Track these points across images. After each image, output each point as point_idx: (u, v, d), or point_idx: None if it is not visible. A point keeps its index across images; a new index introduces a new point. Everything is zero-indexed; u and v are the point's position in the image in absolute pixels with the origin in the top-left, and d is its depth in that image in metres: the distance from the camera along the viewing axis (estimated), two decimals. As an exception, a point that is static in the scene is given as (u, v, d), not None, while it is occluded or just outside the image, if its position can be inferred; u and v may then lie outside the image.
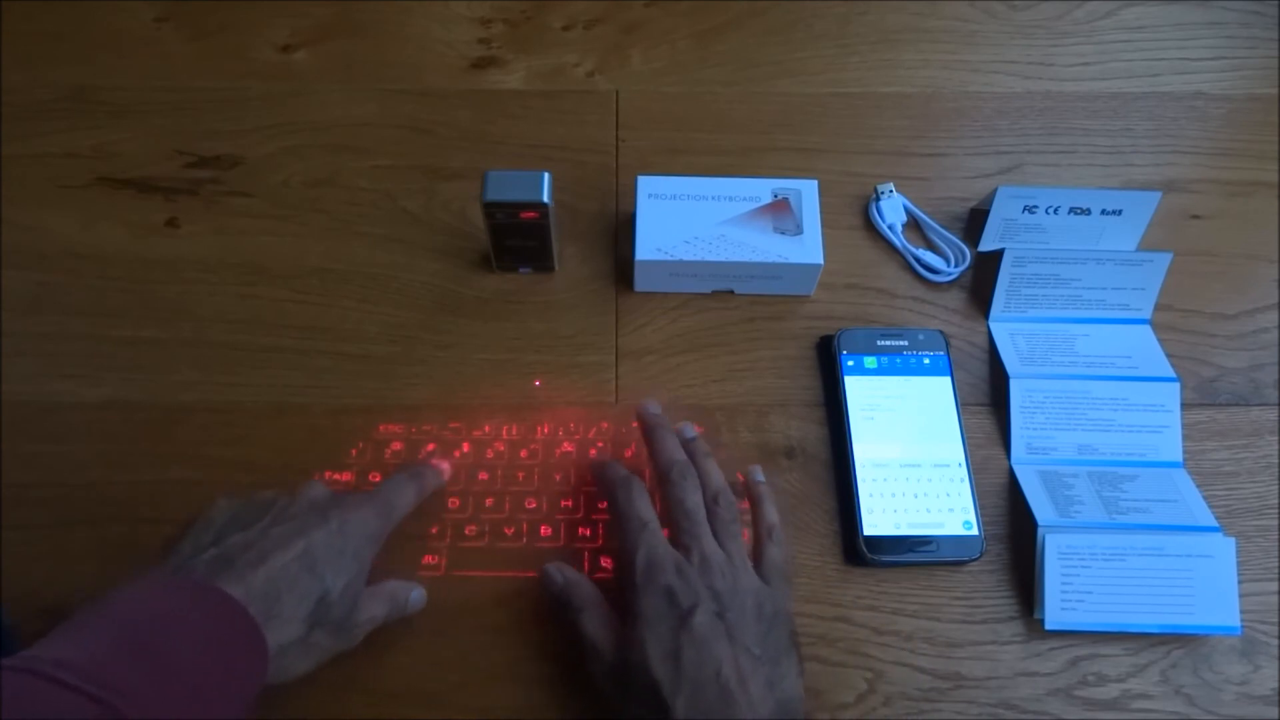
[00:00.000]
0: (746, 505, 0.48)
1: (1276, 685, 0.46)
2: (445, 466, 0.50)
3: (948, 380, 0.53)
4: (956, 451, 0.51)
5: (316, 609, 0.40)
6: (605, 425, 0.52)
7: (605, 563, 0.48)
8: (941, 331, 0.55)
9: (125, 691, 0.32)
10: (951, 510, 0.49)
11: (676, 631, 0.39)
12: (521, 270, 0.57)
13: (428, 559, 0.48)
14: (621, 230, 0.59)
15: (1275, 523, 0.50)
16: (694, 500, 0.44)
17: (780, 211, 0.55)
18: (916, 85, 0.66)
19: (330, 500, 0.44)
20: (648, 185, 0.56)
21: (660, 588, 0.41)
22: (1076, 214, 0.56)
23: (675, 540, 0.43)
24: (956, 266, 0.57)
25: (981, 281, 0.57)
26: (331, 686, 0.44)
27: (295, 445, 0.51)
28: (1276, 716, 0.46)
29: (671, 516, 0.44)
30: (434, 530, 0.48)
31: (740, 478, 0.50)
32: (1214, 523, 0.48)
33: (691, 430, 0.49)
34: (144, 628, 0.36)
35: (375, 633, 0.46)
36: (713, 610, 0.40)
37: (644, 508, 0.44)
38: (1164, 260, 0.54)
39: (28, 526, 0.48)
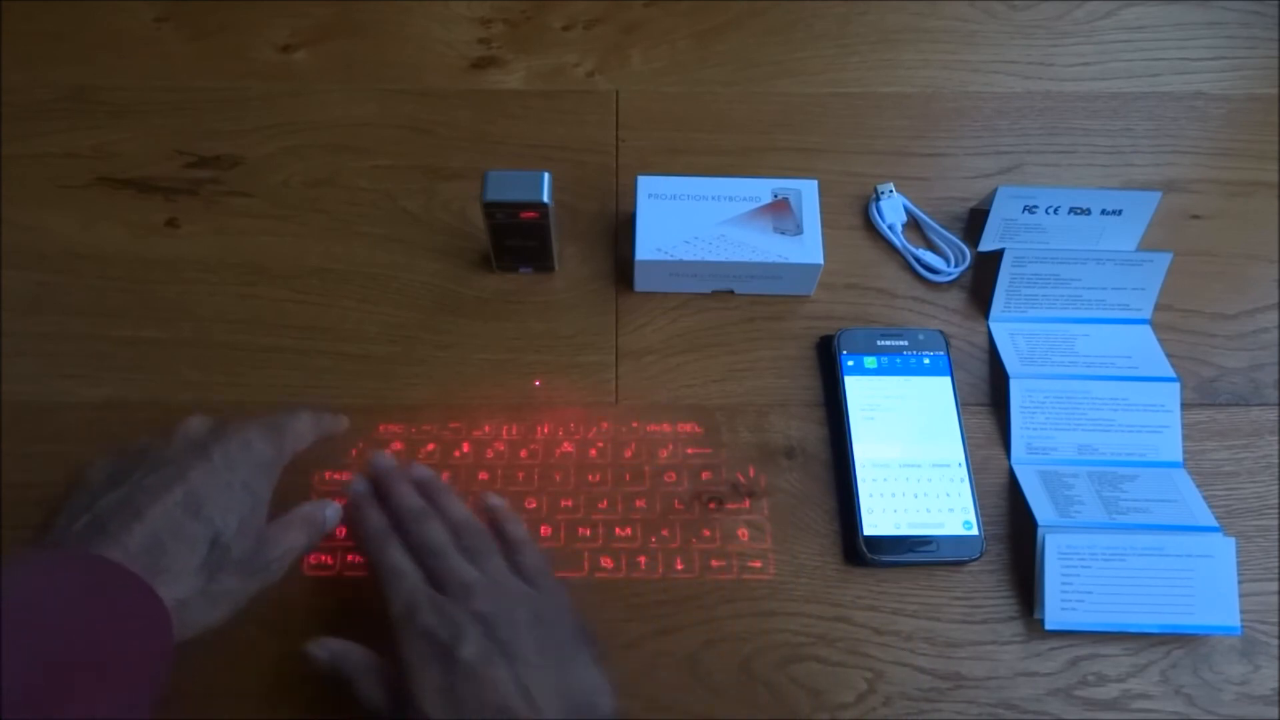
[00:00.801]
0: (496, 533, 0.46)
1: (1276, 685, 0.46)
2: (344, 419, 0.48)
3: (948, 380, 0.53)
4: (956, 451, 0.51)
5: (212, 554, 0.38)
6: (605, 425, 0.52)
7: (605, 563, 0.48)
8: (941, 331, 0.55)
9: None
10: (951, 510, 0.49)
11: (446, 669, 0.37)
12: (521, 270, 0.57)
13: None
14: (621, 230, 0.59)
15: (1275, 523, 0.50)
16: (435, 537, 0.43)
17: (780, 211, 0.55)
18: (916, 85, 0.66)
19: (210, 434, 0.42)
20: (648, 185, 0.56)
21: (419, 630, 0.38)
22: (1076, 214, 0.56)
23: (431, 580, 0.41)
24: (956, 266, 0.57)
25: (981, 281, 0.57)
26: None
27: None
28: (1276, 716, 0.46)
29: (420, 560, 0.42)
30: (434, 530, 0.48)
31: (740, 477, 0.50)
32: (1214, 523, 0.48)
33: (423, 470, 0.47)
34: (17, 611, 0.33)
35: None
36: (479, 635, 0.38)
37: (397, 557, 0.42)
38: (1164, 260, 0.54)
39: (28, 526, 0.48)
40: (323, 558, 0.47)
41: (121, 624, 0.34)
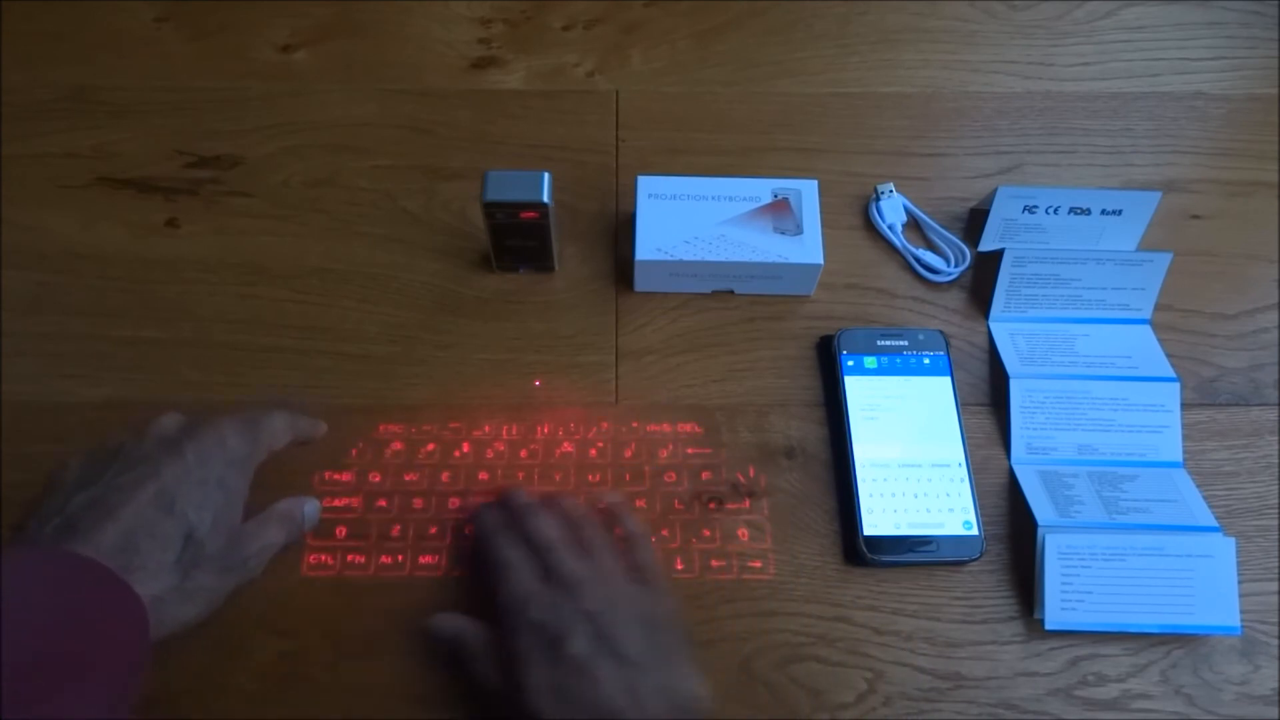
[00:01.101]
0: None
1: (1276, 685, 0.46)
2: (323, 425, 0.49)
3: (948, 380, 0.53)
4: (956, 451, 0.51)
5: (186, 550, 0.38)
6: (605, 425, 0.52)
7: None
8: (941, 331, 0.55)
9: None
10: (951, 510, 0.49)
11: (554, 665, 0.38)
12: (521, 270, 0.57)
13: (427, 559, 0.48)
14: (621, 230, 0.59)
15: (1275, 523, 0.50)
16: (546, 531, 0.43)
17: (780, 211, 0.55)
18: (916, 85, 0.66)
19: (182, 431, 0.41)
20: (648, 185, 0.56)
21: (527, 624, 0.40)
22: (1076, 214, 0.56)
23: (543, 574, 0.42)
24: (956, 266, 0.57)
25: (981, 281, 0.57)
26: (330, 686, 0.44)
27: (295, 445, 0.51)
28: (1276, 716, 0.46)
29: (531, 552, 0.43)
30: (433, 530, 0.48)
31: (740, 477, 0.50)
32: (1214, 523, 0.48)
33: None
34: None
35: (375, 632, 0.46)
36: (588, 632, 0.39)
37: (509, 551, 0.43)
38: (1164, 260, 0.54)
39: (28, 526, 0.48)
40: (323, 558, 0.47)
41: (97, 620, 0.34)
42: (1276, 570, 0.49)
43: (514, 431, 0.51)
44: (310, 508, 0.45)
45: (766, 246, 0.54)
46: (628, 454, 0.51)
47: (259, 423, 0.43)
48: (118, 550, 0.36)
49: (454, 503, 0.49)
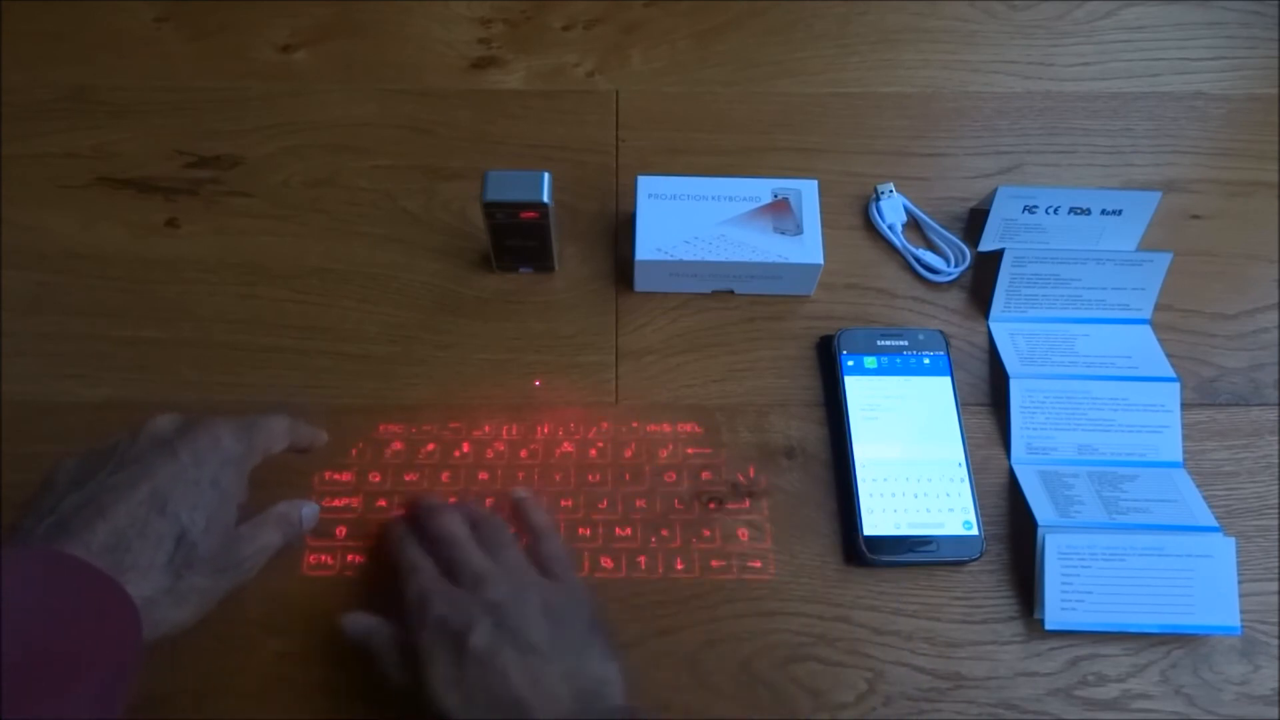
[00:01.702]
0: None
1: (1276, 685, 0.46)
2: (324, 435, 0.48)
3: (948, 380, 0.53)
4: (956, 451, 0.51)
5: (178, 551, 0.37)
6: (605, 425, 0.52)
7: (605, 563, 0.48)
8: (941, 331, 0.55)
9: None
10: (951, 510, 0.49)
11: (457, 659, 0.38)
12: (521, 270, 0.57)
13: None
14: (621, 230, 0.59)
15: (1275, 523, 0.50)
16: (451, 529, 0.44)
17: (780, 211, 0.55)
18: (916, 85, 0.66)
19: (177, 431, 0.41)
20: (648, 185, 0.56)
21: (432, 620, 0.40)
22: (1076, 214, 0.56)
23: (447, 572, 0.42)
24: (956, 266, 0.57)
25: (981, 281, 0.57)
26: (330, 686, 0.44)
27: (293, 451, 0.50)
28: (1276, 716, 0.46)
29: (435, 551, 0.43)
30: (434, 530, 0.48)
31: (740, 477, 0.50)
32: (1214, 523, 0.48)
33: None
34: None
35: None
36: (489, 624, 0.39)
37: (414, 554, 0.43)
38: (1164, 260, 0.54)
39: (21, 525, 0.48)
40: (323, 558, 0.47)
41: (89, 620, 0.34)
42: (1276, 570, 0.49)
43: (514, 431, 0.51)
44: (309, 510, 0.45)
45: (766, 246, 0.54)
46: (628, 454, 0.51)
47: (256, 425, 0.43)
48: (109, 550, 0.36)
49: (453, 502, 0.49)
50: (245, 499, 0.43)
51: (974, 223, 0.59)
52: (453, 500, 0.48)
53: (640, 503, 0.50)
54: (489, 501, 0.49)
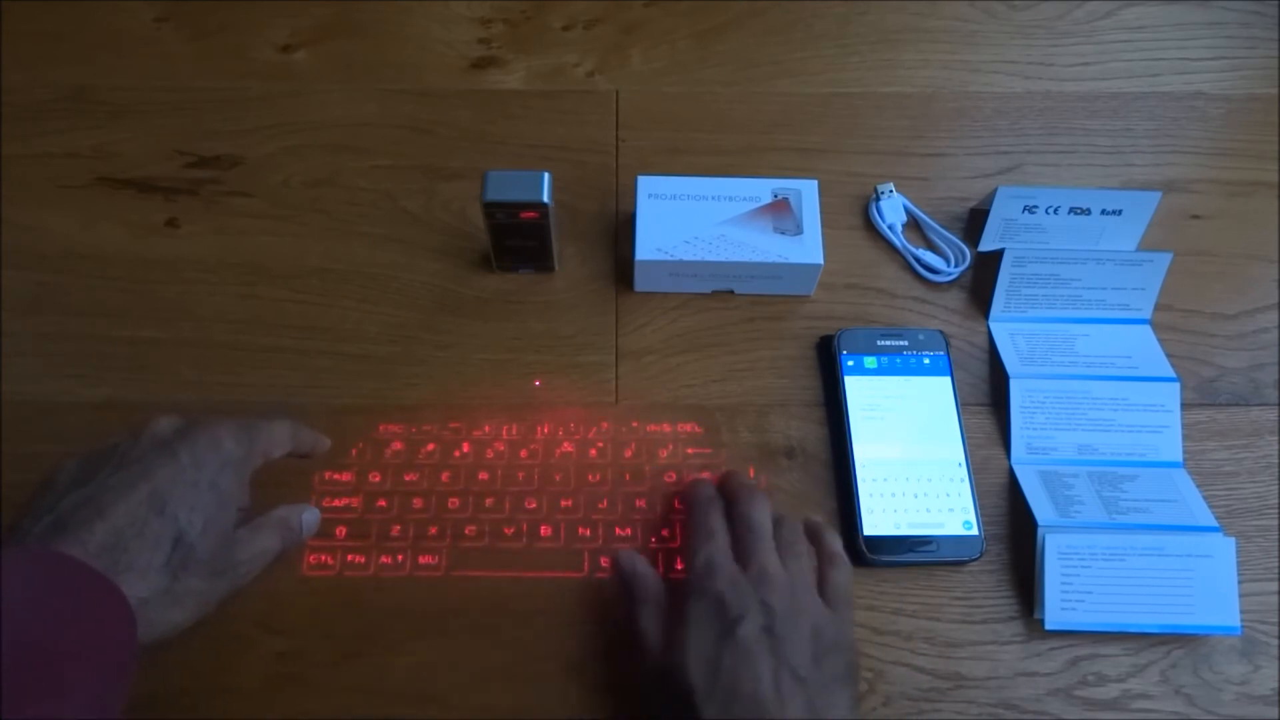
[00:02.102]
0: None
1: (1276, 685, 0.46)
2: (326, 440, 0.49)
3: (948, 380, 0.53)
4: (956, 451, 0.51)
5: (175, 552, 0.37)
6: (605, 425, 0.52)
7: (606, 563, 0.48)
8: (941, 331, 0.55)
9: None
10: (951, 510, 0.49)
11: (720, 639, 0.39)
12: (521, 270, 0.57)
13: (427, 559, 0.48)
14: (621, 230, 0.59)
15: (1275, 523, 0.50)
16: (759, 517, 0.44)
17: (780, 211, 0.55)
18: (916, 85, 0.66)
19: (178, 432, 0.41)
20: (648, 185, 0.56)
21: (711, 594, 0.40)
22: (1076, 214, 0.56)
23: (738, 554, 0.43)
24: (956, 266, 0.57)
25: (981, 281, 0.57)
26: (330, 686, 0.44)
27: (295, 457, 0.50)
28: (1276, 716, 0.46)
29: (735, 531, 0.44)
30: (434, 530, 0.48)
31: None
32: (1214, 523, 0.48)
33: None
34: None
35: (377, 632, 0.46)
36: (760, 623, 0.39)
37: (716, 522, 0.44)
38: (1164, 260, 0.54)
39: (19, 525, 0.48)
40: (323, 558, 0.47)
41: (84, 620, 0.34)
42: (1276, 570, 0.49)
43: (514, 431, 0.51)
44: (309, 516, 0.44)
45: (766, 246, 0.54)
46: (628, 454, 0.51)
47: (257, 427, 0.43)
48: (105, 550, 0.36)
49: (453, 502, 0.49)
50: (246, 502, 0.44)
51: (974, 223, 0.59)
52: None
53: (640, 503, 0.50)
54: (489, 501, 0.49)
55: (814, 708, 0.38)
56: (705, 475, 0.49)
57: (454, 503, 0.49)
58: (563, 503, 0.49)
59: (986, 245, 0.58)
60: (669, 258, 0.53)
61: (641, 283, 0.56)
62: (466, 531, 0.49)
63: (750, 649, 0.38)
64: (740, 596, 0.40)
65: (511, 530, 0.49)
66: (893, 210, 0.59)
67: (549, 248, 0.54)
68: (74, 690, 0.32)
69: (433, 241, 0.58)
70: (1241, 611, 0.46)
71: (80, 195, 0.59)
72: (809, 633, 0.40)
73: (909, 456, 0.50)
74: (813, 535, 0.46)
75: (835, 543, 0.46)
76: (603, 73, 0.66)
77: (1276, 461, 0.52)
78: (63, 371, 0.53)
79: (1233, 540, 0.47)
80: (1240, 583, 0.47)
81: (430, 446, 0.51)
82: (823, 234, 0.54)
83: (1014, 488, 0.51)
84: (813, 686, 0.38)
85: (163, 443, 0.40)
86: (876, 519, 0.49)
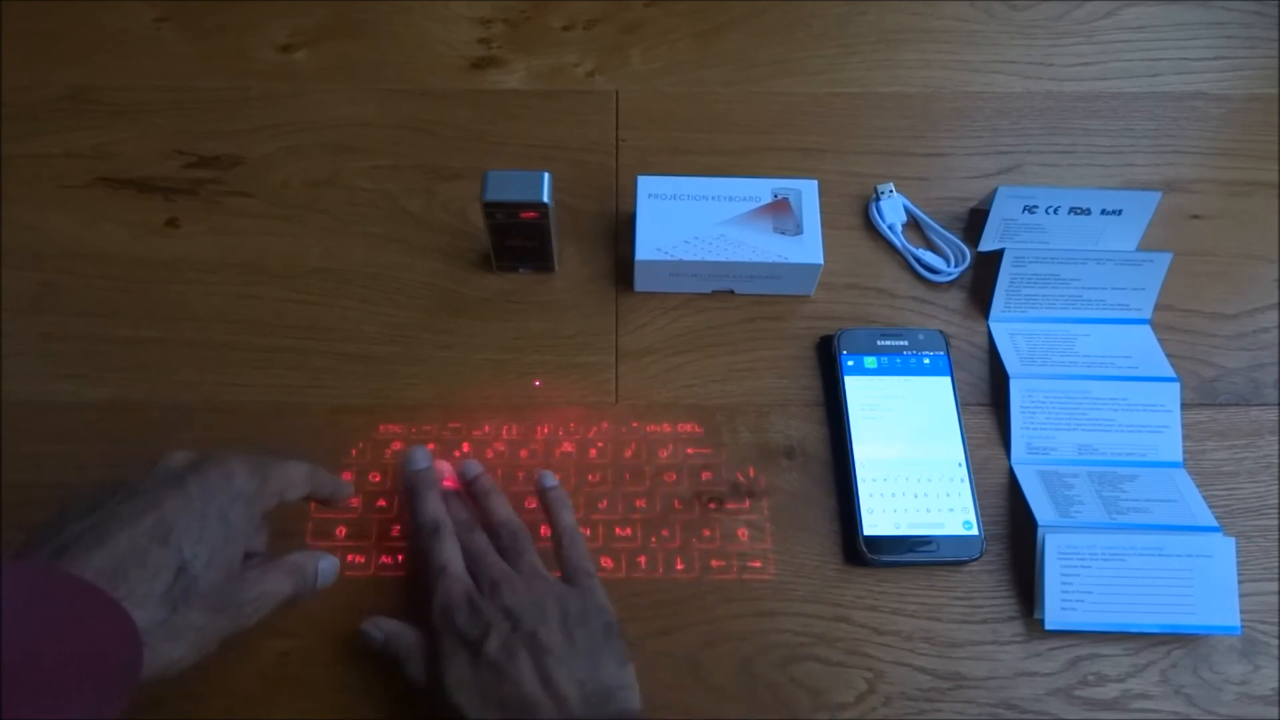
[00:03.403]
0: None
1: (1276, 685, 0.46)
2: (349, 487, 0.47)
3: (948, 380, 0.53)
4: (956, 451, 0.51)
5: (177, 582, 0.36)
6: (605, 425, 0.52)
7: (605, 563, 0.48)
8: (941, 331, 0.55)
9: None
10: (951, 510, 0.49)
11: (473, 664, 0.40)
12: (521, 270, 0.57)
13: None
14: (621, 230, 0.59)
15: (1275, 523, 0.50)
16: (478, 542, 0.45)
17: (780, 211, 0.55)
18: (916, 85, 0.66)
19: (190, 466, 0.40)
20: (648, 185, 0.56)
21: (453, 628, 0.41)
22: (1076, 214, 0.56)
23: (471, 571, 0.44)
24: (956, 266, 0.57)
25: (981, 281, 0.57)
26: (330, 686, 0.44)
27: (295, 445, 0.51)
28: (1276, 716, 0.46)
29: (465, 550, 0.45)
30: (434, 530, 0.48)
31: (740, 477, 0.50)
32: (1214, 523, 0.48)
33: (475, 467, 0.49)
34: None
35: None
36: (505, 630, 0.41)
37: (441, 551, 0.44)
38: (1164, 260, 0.54)
39: (28, 527, 0.48)
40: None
41: (84, 635, 0.33)
42: (1276, 570, 0.49)
43: (514, 431, 0.51)
44: (326, 564, 0.43)
45: (766, 246, 0.54)
46: (628, 454, 0.51)
47: (272, 465, 0.42)
48: (103, 576, 0.35)
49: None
50: (262, 547, 0.43)
51: (974, 223, 0.59)
52: (476, 478, 0.49)
53: (640, 503, 0.50)
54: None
55: (581, 680, 0.40)
56: (423, 469, 0.48)
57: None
58: (563, 503, 0.49)
59: (986, 245, 0.58)
60: (669, 258, 0.53)
61: (641, 283, 0.56)
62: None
63: (501, 660, 0.40)
64: (479, 617, 0.41)
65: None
66: (893, 210, 0.59)
67: (549, 248, 0.54)
68: (72, 704, 0.32)
69: (433, 241, 0.58)
70: (1241, 611, 0.46)
71: (80, 195, 0.59)
72: (555, 615, 0.42)
73: (909, 456, 0.50)
74: (545, 508, 0.47)
75: (563, 515, 0.47)
76: (603, 73, 0.66)
77: (1276, 461, 0.52)
78: (63, 371, 0.53)
79: (1233, 540, 0.47)
80: (1240, 583, 0.47)
81: (430, 446, 0.51)
82: (823, 234, 0.54)
83: (1014, 488, 0.51)
84: (574, 660, 0.41)
85: (173, 474, 0.40)
86: (876, 519, 0.49)
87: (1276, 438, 0.53)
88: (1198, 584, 0.46)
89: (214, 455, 0.41)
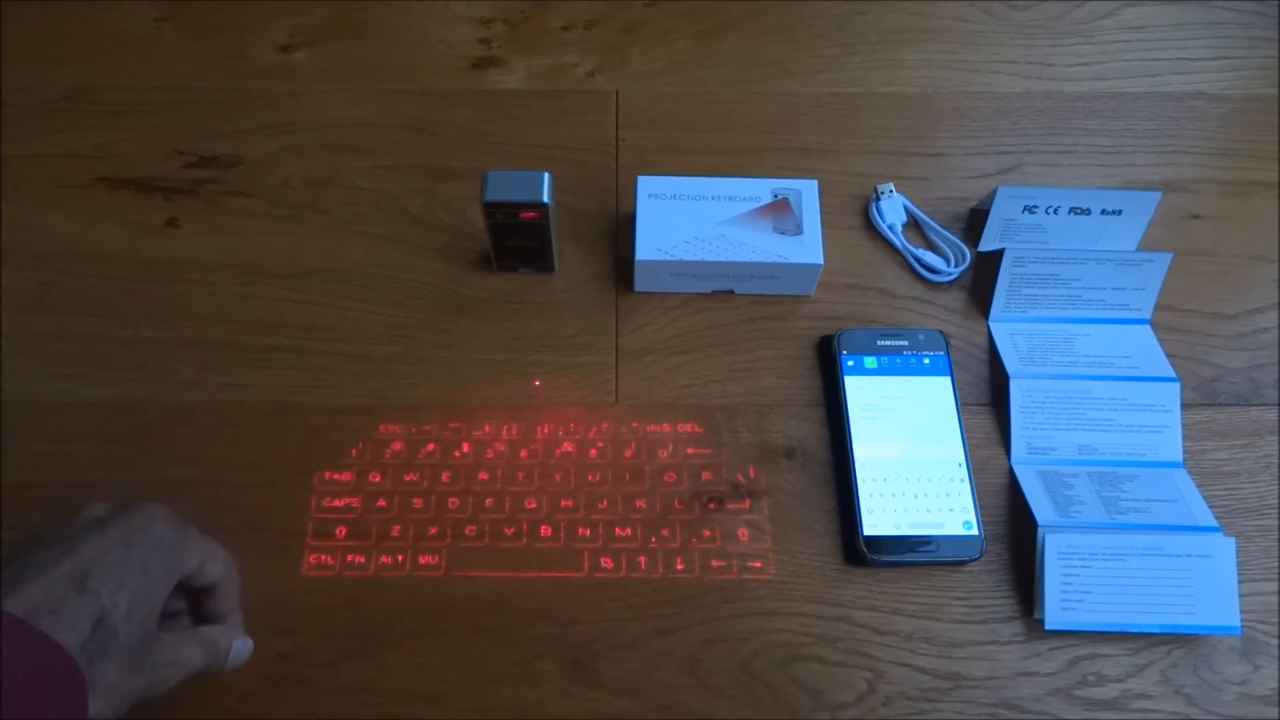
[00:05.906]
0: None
1: (1276, 685, 0.46)
2: (250, 643, 0.42)
3: (948, 380, 0.53)
4: (956, 451, 0.51)
5: (96, 633, 0.34)
6: (605, 425, 0.52)
7: (605, 563, 0.48)
8: (941, 331, 0.55)
9: None
10: (951, 510, 0.49)
11: None
12: (521, 270, 0.57)
13: (427, 559, 0.48)
14: (621, 230, 0.59)
15: (1275, 523, 0.50)
16: None
17: (780, 211, 0.55)
18: (916, 85, 0.66)
19: (110, 514, 0.38)
20: (648, 185, 0.56)
21: None
22: (1076, 214, 0.56)
23: None
24: (956, 266, 0.57)
25: (981, 281, 0.57)
26: (330, 686, 0.44)
27: (295, 445, 0.51)
28: (1276, 716, 0.46)
29: None
30: (434, 530, 0.48)
31: (740, 477, 0.50)
32: (1214, 523, 0.48)
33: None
34: None
35: (377, 632, 0.46)
36: None
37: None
38: (1164, 260, 0.54)
39: (28, 526, 0.48)
40: (323, 558, 0.47)
41: (27, 675, 0.31)
42: (1276, 570, 0.49)
43: (514, 431, 0.52)
44: (240, 644, 0.41)
45: (766, 246, 0.54)
46: (628, 454, 0.51)
47: (194, 530, 0.40)
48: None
49: (453, 502, 0.49)
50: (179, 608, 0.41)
51: (974, 223, 0.59)
52: None
53: (640, 503, 0.50)
54: (489, 501, 0.49)
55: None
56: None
57: (454, 503, 0.49)
58: (563, 503, 0.50)
59: (986, 245, 0.58)
60: (669, 258, 0.53)
61: (641, 283, 0.56)
62: (466, 531, 0.49)
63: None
64: None
65: (511, 530, 0.49)
66: (893, 210, 0.59)
67: (549, 248, 0.54)
68: None
69: (433, 241, 0.58)
70: (1241, 611, 0.46)
71: (80, 195, 0.59)
72: None
73: (909, 456, 0.50)
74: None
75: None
76: (603, 73, 0.66)
77: (1276, 461, 0.52)
78: (63, 371, 0.53)
79: (1233, 540, 0.47)
80: (1240, 583, 0.47)
81: (430, 446, 0.51)
82: (823, 234, 0.54)
83: (1014, 488, 0.51)
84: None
85: (94, 521, 0.38)
86: (876, 519, 0.49)
87: (1276, 438, 0.53)
88: (1198, 584, 0.46)
89: (135, 504, 0.39)
